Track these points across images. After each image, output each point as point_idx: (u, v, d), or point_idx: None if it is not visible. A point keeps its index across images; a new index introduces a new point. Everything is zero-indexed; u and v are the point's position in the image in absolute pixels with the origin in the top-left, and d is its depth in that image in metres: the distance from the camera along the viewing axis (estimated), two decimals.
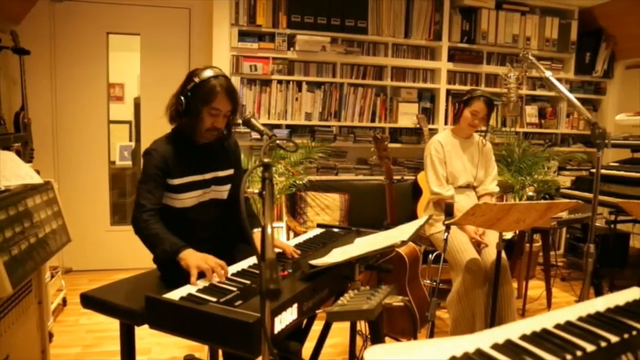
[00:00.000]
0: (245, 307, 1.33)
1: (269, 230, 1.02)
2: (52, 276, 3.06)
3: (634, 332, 0.85)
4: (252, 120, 1.91)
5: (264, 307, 1.04)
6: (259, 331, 1.18)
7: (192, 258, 1.65)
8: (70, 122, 3.98)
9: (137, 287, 1.79)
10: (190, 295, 1.44)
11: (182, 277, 1.59)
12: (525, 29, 4.41)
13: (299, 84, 4.02)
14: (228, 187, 2.08)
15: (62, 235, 2.36)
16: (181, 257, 1.68)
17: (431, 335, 2.23)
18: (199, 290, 1.48)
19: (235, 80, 3.80)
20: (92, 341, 2.92)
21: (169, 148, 1.91)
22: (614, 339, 0.82)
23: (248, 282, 1.58)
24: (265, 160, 1.21)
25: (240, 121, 2.01)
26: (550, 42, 4.49)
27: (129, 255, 3.98)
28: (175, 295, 1.43)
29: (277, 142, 1.69)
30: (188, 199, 1.95)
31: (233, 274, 1.66)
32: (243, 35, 3.84)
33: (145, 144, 2.22)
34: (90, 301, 1.70)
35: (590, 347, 0.78)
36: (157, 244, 1.76)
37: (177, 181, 1.91)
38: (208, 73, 1.85)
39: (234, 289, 1.49)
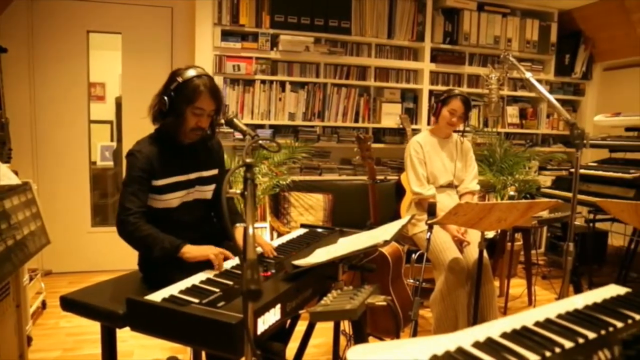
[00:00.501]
0: (228, 308, 1.33)
1: (250, 230, 1.01)
2: (31, 279, 3.00)
3: (611, 329, 0.87)
4: (235, 120, 1.90)
5: (246, 308, 1.04)
6: (241, 332, 1.18)
7: (198, 249, 1.72)
8: (50, 122, 3.91)
9: (119, 289, 1.78)
10: (172, 296, 1.42)
11: (164, 278, 1.58)
12: (507, 31, 4.47)
13: (282, 84, 4.01)
14: (212, 187, 2.07)
15: (41, 236, 2.33)
16: (184, 251, 1.73)
17: (414, 334, 2.24)
18: (181, 292, 1.47)
19: (218, 80, 3.78)
20: (73, 344, 2.87)
21: (153, 149, 1.89)
22: (591, 335, 0.83)
23: (231, 282, 1.57)
24: (248, 160, 1.21)
25: (223, 121, 2.00)
26: (530, 43, 4.56)
27: (110, 257, 3.92)
28: (157, 297, 1.42)
29: (260, 142, 1.69)
30: (172, 200, 1.93)
31: (216, 275, 1.65)
32: (226, 35, 3.82)
33: (126, 144, 2.19)
34: (70, 304, 1.68)
35: (568, 344, 0.80)
36: (153, 244, 1.76)
37: (161, 182, 1.89)
38: (191, 72, 1.85)
39: (217, 290, 1.49)
